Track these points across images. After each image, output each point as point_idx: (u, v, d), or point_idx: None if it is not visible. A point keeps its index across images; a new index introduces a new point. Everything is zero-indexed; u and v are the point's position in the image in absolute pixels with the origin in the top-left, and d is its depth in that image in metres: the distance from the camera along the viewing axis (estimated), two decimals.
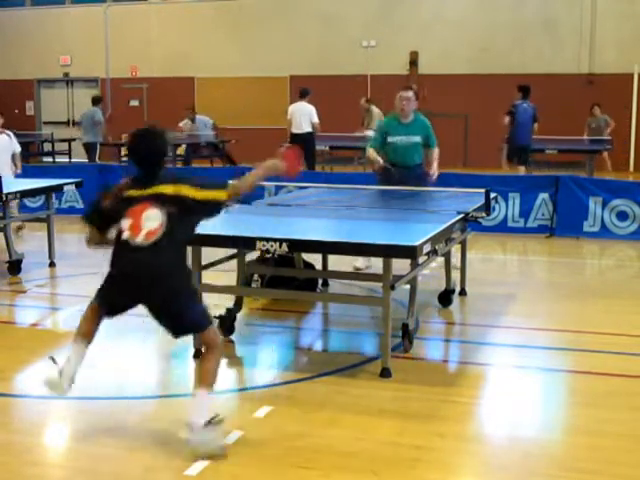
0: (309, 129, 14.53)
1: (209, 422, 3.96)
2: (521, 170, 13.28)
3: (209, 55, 22.37)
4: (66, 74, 24.20)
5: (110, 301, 4.17)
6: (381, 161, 7.86)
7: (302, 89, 14.97)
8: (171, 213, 3.96)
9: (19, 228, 10.23)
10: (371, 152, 8.04)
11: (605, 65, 19.48)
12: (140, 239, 3.94)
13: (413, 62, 21.07)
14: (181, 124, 17.83)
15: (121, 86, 23.37)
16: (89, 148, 16.20)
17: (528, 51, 19.93)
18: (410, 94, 7.95)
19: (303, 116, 14.51)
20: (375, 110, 17.12)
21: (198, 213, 4.10)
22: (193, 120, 17.72)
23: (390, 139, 7.91)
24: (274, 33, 21.86)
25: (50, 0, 24.20)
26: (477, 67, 20.09)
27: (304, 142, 14.33)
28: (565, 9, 19.86)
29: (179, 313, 4.02)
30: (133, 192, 4.04)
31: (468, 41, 20.24)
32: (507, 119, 13.41)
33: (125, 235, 3.97)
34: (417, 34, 20.77)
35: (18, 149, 10.09)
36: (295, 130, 14.59)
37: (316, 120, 14.61)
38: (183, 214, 4.00)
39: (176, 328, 4.12)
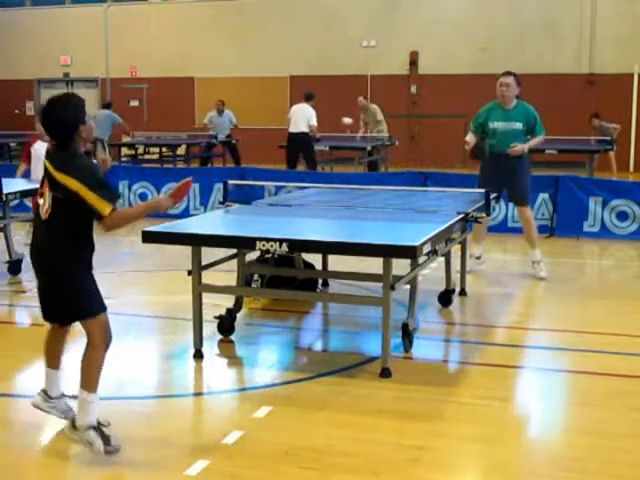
0: (305, 130, 14.59)
1: (94, 428, 3.92)
2: None
3: (209, 55, 22.38)
4: (66, 74, 24.22)
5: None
6: (471, 142, 7.75)
7: (307, 93, 15.09)
8: (57, 198, 3.85)
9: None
10: (469, 135, 7.97)
11: (605, 65, 19.49)
12: (42, 212, 3.95)
13: (413, 62, 21.08)
14: (205, 120, 17.81)
15: (121, 86, 23.38)
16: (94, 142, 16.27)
17: (528, 51, 19.94)
18: (510, 79, 7.78)
19: (302, 117, 14.60)
20: (372, 106, 17.16)
21: (83, 206, 3.84)
22: (221, 113, 17.70)
23: (490, 125, 7.83)
24: (274, 33, 21.87)
25: (50, 0, 24.20)
26: (477, 67, 20.09)
27: (299, 142, 14.50)
28: (565, 9, 19.87)
29: (50, 293, 3.95)
30: (47, 162, 3.99)
31: (468, 41, 20.24)
32: None
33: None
34: (417, 34, 20.78)
35: None
36: (292, 129, 14.70)
37: (314, 123, 14.65)
38: (69, 202, 3.83)
39: (46, 309, 4.01)
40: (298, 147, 14.69)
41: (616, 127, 16.50)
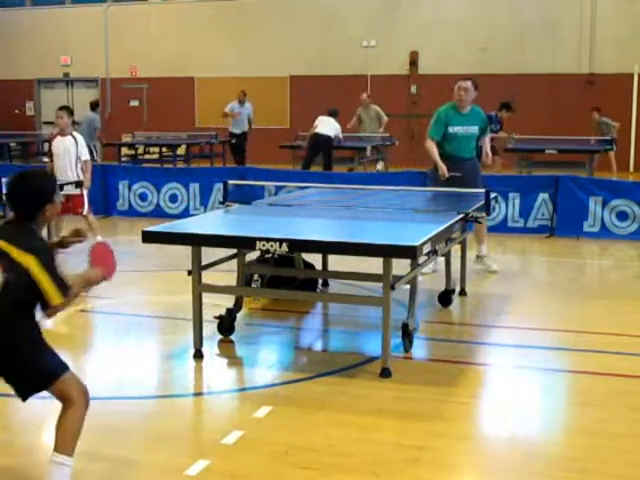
0: (331, 134, 15.34)
1: None
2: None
3: (209, 55, 22.38)
4: (66, 74, 24.21)
5: None
6: (445, 171, 7.65)
7: (332, 109, 15.76)
8: (8, 278, 3.41)
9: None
10: (432, 147, 7.81)
11: (605, 65, 19.49)
12: None
13: (413, 62, 21.08)
14: (227, 109, 17.79)
15: (121, 86, 23.38)
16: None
17: (528, 51, 19.93)
18: (469, 84, 7.84)
19: (329, 125, 15.41)
20: (374, 106, 17.28)
21: (34, 287, 3.42)
22: (243, 103, 17.73)
23: (450, 129, 7.80)
24: (274, 33, 21.87)
25: (50, 0, 24.21)
26: (477, 67, 20.06)
27: (323, 143, 15.25)
28: (565, 9, 19.86)
29: (17, 368, 3.53)
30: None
31: (468, 41, 20.24)
32: None
33: None
34: (417, 34, 20.78)
35: (84, 156, 9.18)
36: (318, 131, 15.30)
37: (341, 137, 15.70)
38: (20, 280, 3.41)
39: (19, 385, 3.57)
40: (320, 148, 15.37)
41: (616, 125, 16.49)
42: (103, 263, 3.81)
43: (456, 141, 7.79)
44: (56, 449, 3.54)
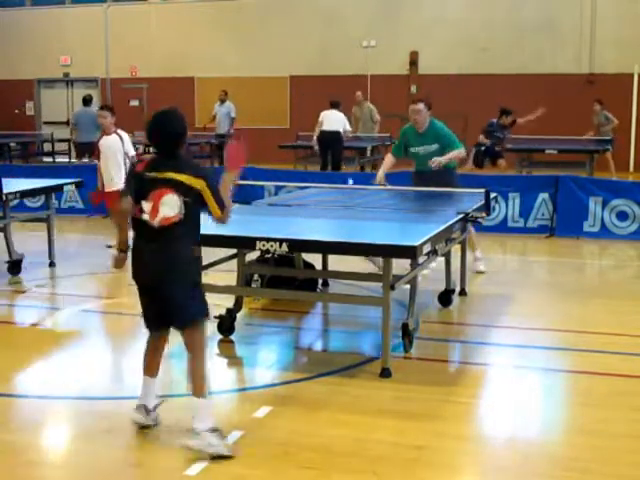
0: (339, 129, 15.07)
1: (214, 429, 3.99)
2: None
3: (209, 55, 22.37)
4: (66, 74, 24.20)
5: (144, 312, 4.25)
6: (380, 179, 7.82)
7: (334, 101, 15.49)
8: (187, 202, 4.05)
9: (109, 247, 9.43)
10: (386, 160, 8.08)
11: (605, 65, 19.48)
12: (156, 223, 4.04)
13: (413, 62, 21.07)
14: (213, 112, 17.78)
15: (121, 86, 23.36)
16: (90, 148, 16.20)
17: (528, 51, 19.93)
18: (420, 107, 7.82)
19: (336, 119, 15.12)
20: (368, 104, 17.32)
21: (202, 207, 4.15)
22: (223, 102, 17.73)
23: (412, 150, 7.86)
24: (274, 33, 21.86)
25: (50, 0, 24.20)
26: (477, 67, 20.08)
27: (332, 139, 15.00)
28: (565, 9, 19.86)
29: (179, 298, 4.07)
30: (152, 173, 4.11)
31: (468, 41, 20.23)
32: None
33: (145, 217, 4.08)
34: (417, 34, 20.77)
35: (131, 152, 9.16)
36: (325, 128, 15.05)
37: (349, 128, 15.43)
38: (196, 204, 4.09)
39: (166, 315, 4.13)
40: (329, 145, 15.14)
41: (615, 121, 16.45)
42: (235, 163, 4.29)
43: (419, 159, 7.86)
44: (194, 392, 4.04)
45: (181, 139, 4.17)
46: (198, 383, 4.06)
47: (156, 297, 4.12)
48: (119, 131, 9.11)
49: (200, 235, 4.22)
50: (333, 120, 15.08)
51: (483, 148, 13.87)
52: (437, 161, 7.62)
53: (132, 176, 4.24)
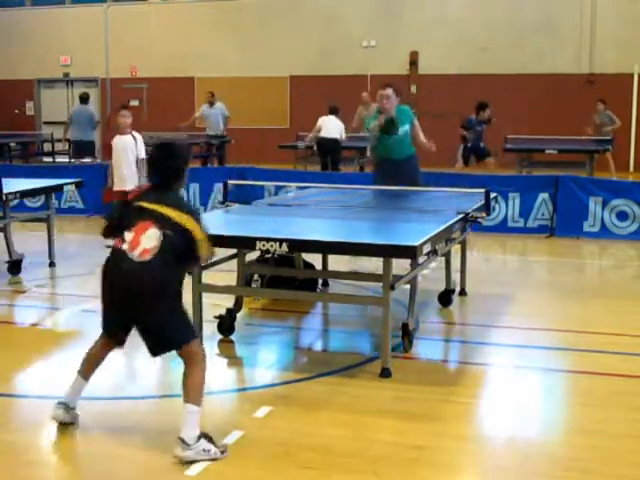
0: (337, 137, 15.31)
1: (202, 436, 3.96)
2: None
3: (209, 55, 22.37)
4: (66, 74, 24.20)
5: (106, 319, 4.24)
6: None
7: (333, 106, 15.61)
8: (168, 236, 4.00)
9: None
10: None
11: (605, 65, 19.47)
12: (136, 255, 3.99)
13: (413, 62, 21.07)
14: (197, 114, 17.78)
15: (121, 86, 23.36)
16: (85, 146, 16.19)
17: (528, 51, 19.92)
18: (389, 92, 7.87)
19: (334, 126, 15.30)
20: (374, 106, 17.34)
21: (186, 249, 4.08)
22: (212, 104, 17.70)
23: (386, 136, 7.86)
24: (274, 33, 21.86)
25: (50, 0, 24.20)
26: (477, 67, 20.08)
27: (331, 146, 15.28)
28: (565, 9, 19.85)
29: (159, 327, 4.03)
30: (144, 203, 4.10)
31: (468, 41, 20.22)
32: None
33: (124, 246, 4.03)
34: (417, 34, 20.77)
35: (142, 155, 9.06)
36: (324, 135, 15.26)
37: (344, 136, 15.58)
38: (178, 242, 4.03)
39: (155, 343, 4.09)
40: (328, 151, 15.39)
41: (618, 122, 16.44)
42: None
43: (389, 145, 7.85)
44: (187, 400, 3.99)
45: (180, 174, 4.19)
46: (191, 394, 4.01)
47: (128, 319, 4.11)
48: (134, 132, 9.17)
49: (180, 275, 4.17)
50: (332, 127, 15.29)
51: (469, 145, 13.99)
52: (432, 144, 7.81)
53: (121, 204, 4.26)
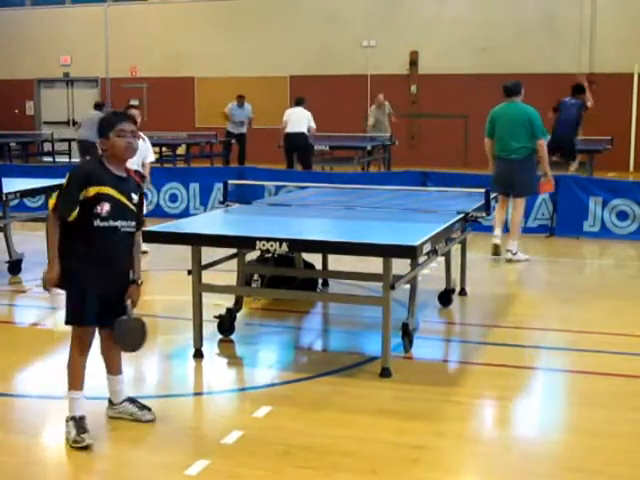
0: (304, 130, 14.87)
1: (71, 419, 4.17)
2: (571, 167, 13.49)
3: (209, 55, 22.37)
4: (66, 74, 24.20)
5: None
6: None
7: (299, 97, 15.49)
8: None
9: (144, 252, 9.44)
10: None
11: (605, 64, 19.48)
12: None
13: (413, 62, 21.07)
14: (226, 109, 18.05)
15: (121, 86, 23.37)
16: (91, 146, 16.23)
17: (528, 50, 19.92)
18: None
19: (301, 119, 14.87)
20: (387, 106, 17.60)
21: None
22: (242, 106, 17.99)
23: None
24: (274, 33, 21.86)
25: (50, 0, 24.20)
26: (477, 67, 20.08)
27: (296, 142, 14.77)
28: (565, 8, 19.86)
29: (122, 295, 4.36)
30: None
31: (468, 41, 20.23)
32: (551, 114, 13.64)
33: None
34: (417, 34, 20.77)
35: (149, 159, 9.11)
36: (289, 130, 14.93)
37: (313, 125, 15.05)
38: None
39: (113, 311, 4.35)
40: (294, 147, 14.94)
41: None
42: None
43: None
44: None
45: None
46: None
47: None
48: (141, 134, 9.17)
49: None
50: (296, 120, 14.73)
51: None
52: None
53: None
